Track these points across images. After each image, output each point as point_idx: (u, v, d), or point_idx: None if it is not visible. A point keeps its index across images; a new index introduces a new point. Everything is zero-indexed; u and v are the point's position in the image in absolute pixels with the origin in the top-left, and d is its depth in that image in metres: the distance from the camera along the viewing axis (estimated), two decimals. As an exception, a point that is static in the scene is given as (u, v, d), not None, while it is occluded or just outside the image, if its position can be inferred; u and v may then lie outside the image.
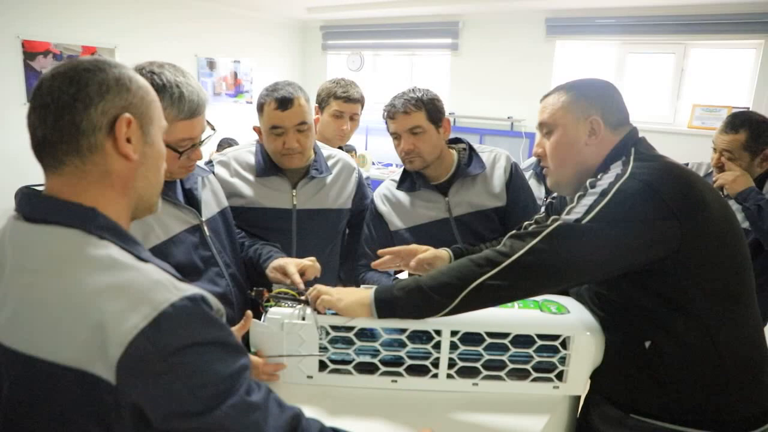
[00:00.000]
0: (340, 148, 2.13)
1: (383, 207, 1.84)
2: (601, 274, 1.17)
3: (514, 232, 1.16)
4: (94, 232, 0.74)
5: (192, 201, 1.44)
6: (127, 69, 0.81)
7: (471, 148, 1.82)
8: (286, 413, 0.80)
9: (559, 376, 1.24)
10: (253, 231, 1.74)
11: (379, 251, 1.58)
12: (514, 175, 1.79)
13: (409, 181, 1.81)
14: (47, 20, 4.35)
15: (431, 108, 1.69)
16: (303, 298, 1.29)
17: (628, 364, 1.20)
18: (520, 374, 1.25)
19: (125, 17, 4.83)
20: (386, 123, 1.76)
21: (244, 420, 0.73)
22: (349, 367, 1.25)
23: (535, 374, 1.24)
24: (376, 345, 1.23)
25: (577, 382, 1.25)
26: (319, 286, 1.28)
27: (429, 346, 1.22)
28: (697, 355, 1.13)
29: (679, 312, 1.12)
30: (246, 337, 1.23)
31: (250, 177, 1.75)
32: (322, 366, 1.25)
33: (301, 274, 1.42)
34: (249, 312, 1.22)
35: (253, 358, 1.18)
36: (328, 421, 0.89)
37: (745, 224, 1.98)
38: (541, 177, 2.43)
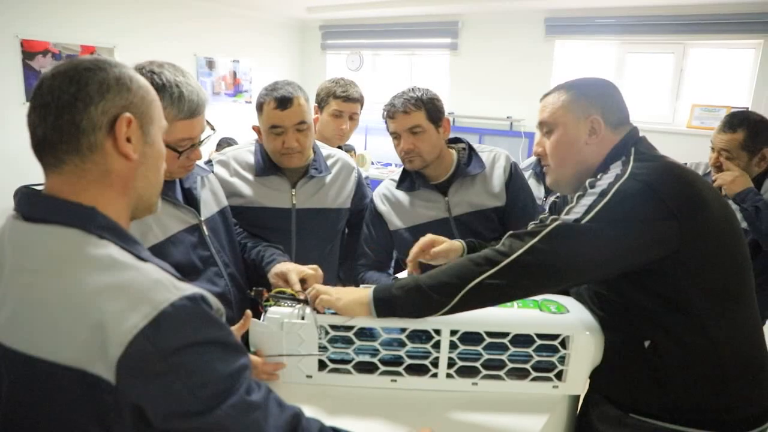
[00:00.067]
0: (340, 147, 2.13)
1: (383, 206, 1.84)
2: (600, 274, 1.17)
3: (513, 231, 1.16)
4: (94, 231, 0.74)
5: (191, 200, 1.44)
6: (128, 68, 0.81)
7: (471, 148, 1.82)
8: (286, 413, 0.80)
9: (559, 376, 1.24)
10: (252, 230, 1.74)
11: (409, 261, 1.52)
12: (513, 175, 1.79)
13: (408, 180, 1.81)
14: (46, 20, 4.34)
15: (431, 107, 1.69)
16: (302, 297, 1.29)
17: (628, 364, 1.20)
18: (519, 374, 1.25)
19: (124, 17, 4.83)
20: (386, 122, 1.76)
21: (244, 419, 0.73)
22: (349, 367, 1.25)
23: (534, 374, 1.25)
24: (376, 344, 1.23)
25: (577, 381, 1.25)
26: (317, 286, 1.28)
27: (428, 346, 1.22)
28: (697, 354, 1.13)
29: (679, 312, 1.12)
30: (245, 337, 1.23)
31: (250, 176, 1.74)
32: (322, 365, 1.25)
33: (303, 281, 1.42)
34: (248, 311, 1.22)
35: (252, 357, 1.18)
36: (328, 421, 0.89)
37: (744, 224, 1.99)
38: (540, 177, 2.43)
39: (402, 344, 1.23)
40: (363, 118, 2.39)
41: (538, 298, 1.33)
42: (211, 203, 1.53)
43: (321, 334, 1.22)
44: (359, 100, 2.25)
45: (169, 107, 1.22)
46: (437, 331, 1.21)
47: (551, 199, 2.25)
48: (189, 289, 0.73)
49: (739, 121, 2.05)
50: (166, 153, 0.90)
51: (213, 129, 1.39)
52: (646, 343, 1.15)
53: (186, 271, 1.34)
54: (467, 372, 1.24)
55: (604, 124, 1.23)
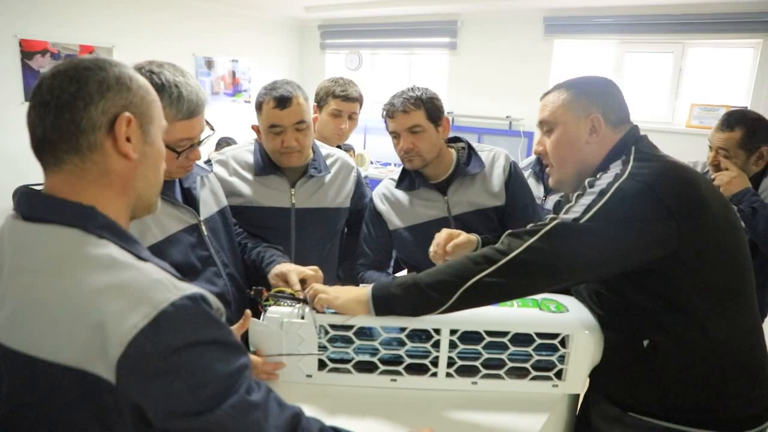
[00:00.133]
0: (339, 147, 2.13)
1: (382, 206, 1.84)
2: (599, 274, 1.17)
3: (512, 230, 1.16)
4: (94, 231, 0.74)
5: (190, 200, 1.44)
6: (128, 68, 0.81)
7: (470, 147, 1.82)
8: (286, 412, 0.80)
9: (558, 375, 1.25)
10: (251, 230, 1.74)
11: (439, 258, 1.48)
12: (513, 175, 1.79)
13: (408, 180, 1.81)
14: (45, 19, 4.34)
15: (430, 107, 1.69)
16: (301, 297, 1.29)
17: (627, 363, 1.20)
18: (519, 373, 1.25)
19: (123, 16, 4.82)
20: (385, 122, 1.76)
21: (244, 419, 0.73)
22: (349, 366, 1.25)
23: (534, 373, 1.25)
24: (376, 344, 1.23)
25: (576, 380, 1.25)
26: (316, 285, 1.28)
27: (428, 345, 1.22)
28: (696, 354, 1.13)
29: (678, 311, 1.12)
30: (245, 336, 1.23)
31: (249, 176, 1.74)
32: (322, 365, 1.25)
33: (303, 282, 1.42)
34: (248, 311, 1.22)
35: (252, 357, 1.18)
36: (328, 420, 0.89)
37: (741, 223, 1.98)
38: (539, 176, 2.43)
39: (402, 343, 1.23)
40: (362, 118, 2.39)
41: (538, 297, 1.33)
42: (210, 203, 1.53)
43: (321, 334, 1.22)
44: (358, 100, 2.25)
45: (168, 107, 1.22)
46: (437, 331, 1.21)
47: (551, 198, 2.25)
48: (189, 288, 0.73)
49: (736, 119, 2.05)
50: (165, 153, 0.90)
51: (212, 129, 1.39)
52: (645, 343, 1.16)
53: (184, 271, 1.34)
54: (467, 371, 1.24)
55: (605, 123, 1.23)
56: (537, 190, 2.40)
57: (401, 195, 1.82)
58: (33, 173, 0.99)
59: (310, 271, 1.45)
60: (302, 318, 1.22)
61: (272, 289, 1.35)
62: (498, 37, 5.41)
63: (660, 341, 1.14)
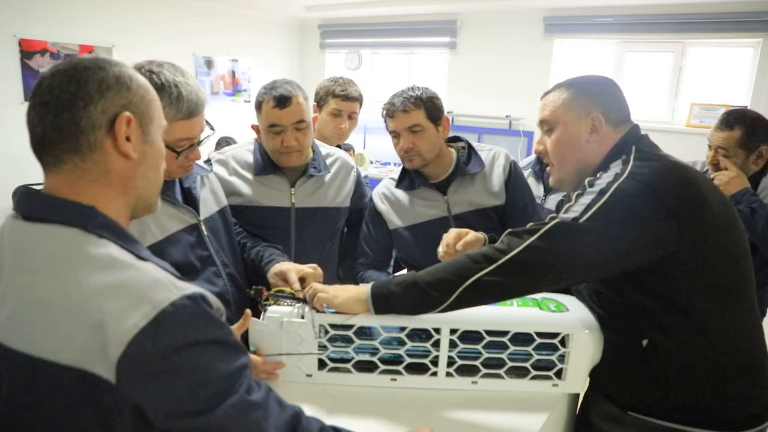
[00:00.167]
0: (339, 146, 2.13)
1: (382, 205, 1.84)
2: (599, 274, 1.17)
3: (512, 229, 1.16)
4: (94, 231, 0.74)
5: (190, 200, 1.44)
6: (128, 67, 0.81)
7: (470, 147, 1.82)
8: (286, 412, 0.80)
9: (558, 374, 1.25)
10: (251, 230, 1.74)
11: (447, 256, 1.45)
12: (513, 174, 1.79)
13: (408, 179, 1.81)
14: (44, 19, 4.34)
15: (430, 106, 1.69)
16: (302, 296, 1.29)
17: (626, 362, 1.20)
18: (519, 372, 1.25)
19: (122, 16, 4.82)
20: (385, 121, 1.76)
21: (244, 419, 0.73)
22: (349, 366, 1.25)
23: (534, 372, 1.25)
24: (375, 343, 1.23)
25: (576, 380, 1.25)
26: (315, 284, 1.27)
27: (428, 345, 1.22)
28: (696, 354, 1.13)
29: (678, 311, 1.12)
30: (245, 336, 1.23)
31: (249, 175, 1.74)
32: (322, 364, 1.25)
33: (302, 280, 1.42)
34: (248, 311, 1.22)
35: (252, 356, 1.18)
36: (328, 420, 0.89)
37: None
38: (539, 176, 2.43)
39: (402, 343, 1.23)
40: (362, 117, 2.39)
41: (538, 296, 1.33)
42: (210, 203, 1.53)
43: (321, 334, 1.22)
44: (358, 99, 2.25)
45: (168, 107, 1.22)
46: (437, 330, 1.21)
47: (551, 197, 2.25)
48: (189, 288, 0.73)
49: (735, 118, 2.05)
50: (165, 153, 0.90)
51: (212, 129, 1.39)
52: (644, 342, 1.15)
53: (184, 271, 1.33)
54: (467, 371, 1.24)
55: (605, 122, 1.23)
56: (537, 189, 2.40)
57: (401, 194, 1.82)
58: (33, 173, 0.99)
59: (309, 269, 1.45)
60: (302, 317, 1.22)
61: (272, 289, 1.35)
62: (498, 36, 5.41)
63: (660, 341, 1.14)
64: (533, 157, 2.55)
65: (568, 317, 1.25)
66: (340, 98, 2.18)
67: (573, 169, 1.27)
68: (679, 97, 4.74)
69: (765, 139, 2.03)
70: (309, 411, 0.87)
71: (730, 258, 1.14)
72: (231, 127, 4.34)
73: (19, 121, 0.80)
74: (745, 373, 1.15)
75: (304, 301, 1.27)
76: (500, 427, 1.14)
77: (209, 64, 5.67)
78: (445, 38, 5.71)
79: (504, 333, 1.21)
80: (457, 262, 1.16)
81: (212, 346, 0.72)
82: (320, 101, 2.23)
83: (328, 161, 1.85)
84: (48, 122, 0.73)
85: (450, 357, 1.23)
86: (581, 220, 1.08)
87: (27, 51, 4.26)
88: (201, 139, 1.35)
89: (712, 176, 2.08)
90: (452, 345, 1.22)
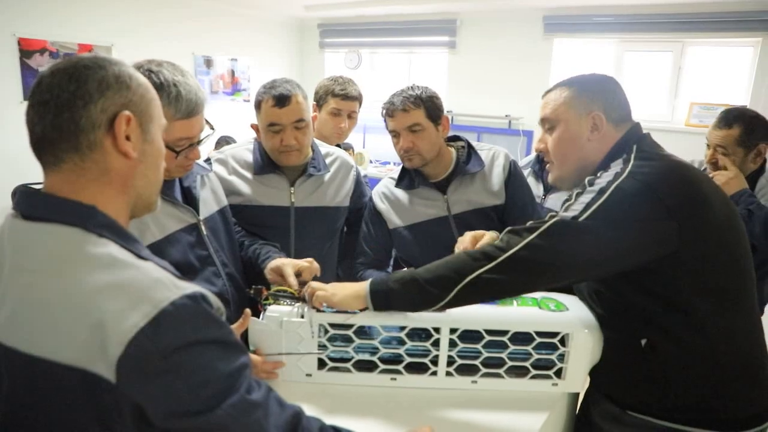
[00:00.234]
0: (338, 146, 2.13)
1: (382, 205, 1.84)
2: (598, 273, 1.17)
3: (511, 227, 1.16)
4: (94, 230, 0.74)
5: (190, 199, 1.44)
6: (127, 66, 0.81)
7: (470, 146, 1.82)
8: (286, 412, 0.80)
9: (558, 374, 1.25)
10: (251, 229, 1.74)
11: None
12: (512, 173, 1.79)
13: (407, 179, 1.81)
14: (43, 18, 4.33)
15: (430, 106, 1.69)
16: (302, 296, 1.29)
17: (626, 362, 1.20)
18: (518, 372, 1.25)
19: (122, 15, 4.81)
20: (385, 121, 1.75)
21: (244, 419, 0.73)
22: (348, 365, 1.25)
23: (533, 371, 1.25)
24: (375, 343, 1.23)
25: (576, 379, 1.25)
26: (313, 283, 1.27)
27: (428, 344, 1.22)
28: (695, 354, 1.13)
29: (677, 312, 1.12)
30: (244, 336, 1.23)
31: (248, 175, 1.74)
32: (321, 364, 1.25)
33: (298, 274, 1.42)
34: (248, 310, 1.22)
35: (251, 356, 1.18)
36: (328, 419, 0.89)
37: None
38: (539, 175, 2.43)
39: (401, 342, 1.23)
40: (361, 117, 2.39)
41: (538, 295, 1.33)
42: (210, 202, 1.52)
43: (320, 333, 1.22)
44: (358, 99, 2.25)
45: (167, 107, 1.21)
46: (437, 329, 1.21)
47: (550, 197, 2.25)
48: (189, 287, 0.72)
49: (734, 117, 2.05)
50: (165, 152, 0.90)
51: (212, 128, 1.39)
52: (643, 342, 1.15)
53: (183, 271, 1.31)
54: (467, 370, 1.24)
55: (606, 121, 1.23)
56: (536, 188, 2.40)
57: (401, 194, 1.82)
58: (32, 172, 0.98)
59: (305, 263, 1.44)
60: (302, 317, 1.22)
61: (272, 288, 1.35)
62: (497, 36, 5.41)
63: (659, 341, 1.14)
64: (533, 156, 2.55)
65: (567, 317, 1.25)
66: (340, 97, 2.18)
67: (573, 168, 1.27)
68: (679, 96, 4.74)
69: (763, 137, 2.04)
70: (309, 410, 0.87)
71: (731, 258, 1.14)
72: (230, 127, 4.34)
73: (18, 120, 0.79)
74: (745, 373, 1.15)
75: (303, 300, 1.27)
76: (500, 427, 1.14)
77: (208, 63, 5.67)
78: (444, 38, 5.71)
79: (504, 332, 1.21)
80: (456, 260, 1.16)
81: (212, 345, 0.72)
82: (320, 100, 2.23)
83: (328, 160, 1.85)
84: (48, 121, 0.73)
85: (450, 356, 1.23)
86: (581, 219, 1.08)
87: (26, 50, 4.26)
88: (201, 138, 1.35)
89: (710, 176, 2.08)
90: (452, 344, 1.22)
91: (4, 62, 4.17)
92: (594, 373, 1.27)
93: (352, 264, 1.89)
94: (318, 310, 1.22)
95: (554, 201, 2.18)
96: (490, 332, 1.21)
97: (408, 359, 1.24)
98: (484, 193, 1.76)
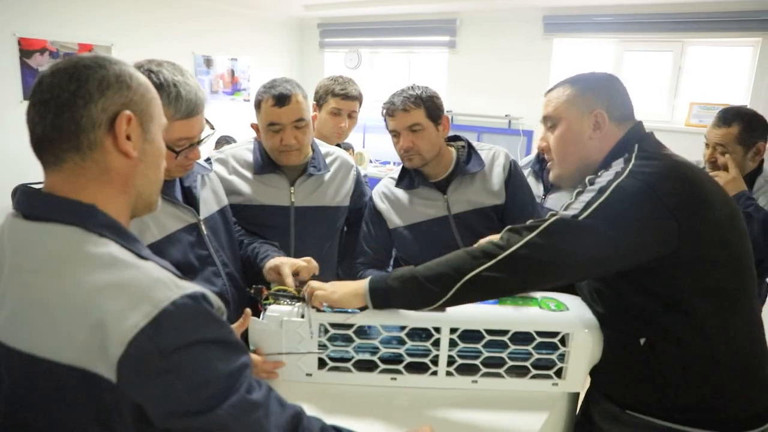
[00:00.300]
0: (338, 145, 2.13)
1: (382, 205, 1.84)
2: (598, 272, 1.17)
3: (511, 226, 1.15)
4: (94, 229, 0.74)
5: (190, 199, 1.44)
6: (128, 66, 0.81)
7: (470, 146, 1.82)
8: (287, 411, 0.80)
9: (558, 373, 1.25)
10: (251, 228, 1.74)
11: None
12: (513, 173, 1.79)
13: (407, 178, 1.81)
14: (43, 18, 4.33)
15: (430, 105, 1.69)
16: (302, 295, 1.29)
17: (626, 362, 1.20)
18: (519, 371, 1.25)
19: (122, 15, 4.81)
20: (385, 121, 1.75)
21: (245, 419, 0.73)
22: (349, 365, 1.25)
23: (534, 371, 1.25)
24: (376, 342, 1.23)
25: (576, 379, 1.25)
26: (312, 282, 1.27)
27: (428, 344, 1.22)
28: (695, 353, 1.12)
29: (677, 312, 1.12)
30: (245, 335, 1.23)
31: (248, 174, 1.74)
32: (322, 364, 1.25)
33: (297, 274, 1.42)
34: (248, 310, 1.22)
35: (252, 356, 1.18)
36: (328, 419, 0.89)
37: None
38: (539, 175, 2.43)
39: (402, 342, 1.23)
40: (361, 116, 2.39)
41: (538, 295, 1.33)
42: (211, 202, 1.52)
43: (320, 333, 1.22)
44: (358, 98, 2.25)
45: (167, 107, 1.21)
46: (437, 329, 1.21)
47: (550, 196, 2.25)
48: (190, 287, 0.72)
49: (733, 115, 2.05)
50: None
51: (212, 128, 1.39)
52: (642, 341, 1.15)
53: (183, 271, 1.31)
54: (467, 370, 1.24)
55: (608, 119, 1.23)
56: (536, 188, 2.40)
57: (401, 194, 1.82)
58: (33, 172, 0.98)
59: (302, 262, 1.44)
60: (302, 317, 1.22)
61: (272, 288, 1.35)
62: (497, 35, 5.41)
63: (658, 341, 1.14)
64: (533, 156, 2.55)
65: (568, 316, 1.25)
66: (340, 97, 2.18)
67: (575, 166, 1.27)
68: (679, 96, 4.74)
69: (762, 136, 2.04)
70: (309, 410, 0.87)
71: (732, 257, 1.14)
72: (230, 126, 4.34)
73: (18, 120, 0.79)
74: (745, 373, 1.15)
75: (304, 300, 1.27)
76: (500, 427, 1.14)
77: (208, 63, 5.67)
78: (444, 37, 5.71)
79: (504, 332, 1.21)
80: (455, 258, 1.16)
81: (213, 345, 0.72)
82: (320, 100, 2.23)
83: (328, 160, 1.85)
84: (48, 121, 0.73)
85: (450, 356, 1.23)
86: (581, 218, 1.08)
87: (26, 50, 4.26)
88: (201, 138, 1.35)
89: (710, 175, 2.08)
90: (452, 344, 1.22)
91: (4, 62, 4.16)
92: (594, 372, 1.27)
93: (352, 264, 1.89)
94: (318, 310, 1.22)
95: (554, 201, 2.18)
96: (490, 332, 1.21)
97: (408, 359, 1.24)
98: (484, 193, 1.76)
